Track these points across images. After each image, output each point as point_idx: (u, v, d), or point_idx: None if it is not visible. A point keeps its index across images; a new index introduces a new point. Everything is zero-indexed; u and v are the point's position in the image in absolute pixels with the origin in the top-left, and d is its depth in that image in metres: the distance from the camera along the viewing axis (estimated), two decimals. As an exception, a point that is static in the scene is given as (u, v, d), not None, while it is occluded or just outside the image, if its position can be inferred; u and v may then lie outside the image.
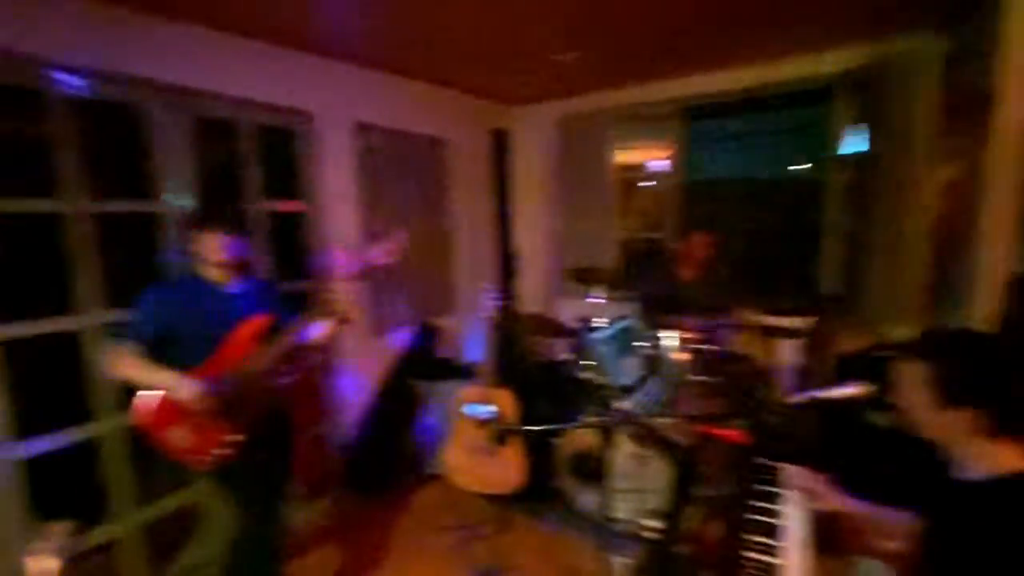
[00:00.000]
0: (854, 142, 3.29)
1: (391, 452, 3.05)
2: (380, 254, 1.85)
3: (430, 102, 3.46)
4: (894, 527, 1.35)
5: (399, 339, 3.28)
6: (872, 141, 3.09)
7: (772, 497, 1.53)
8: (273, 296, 1.87)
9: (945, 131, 2.68)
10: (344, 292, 1.73)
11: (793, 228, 3.84)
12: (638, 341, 2.23)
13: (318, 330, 1.79)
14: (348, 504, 2.82)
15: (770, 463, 1.69)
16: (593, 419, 2.04)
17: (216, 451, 1.61)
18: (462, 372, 3.22)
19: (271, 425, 1.79)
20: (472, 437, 2.48)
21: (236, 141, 2.41)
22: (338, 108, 2.78)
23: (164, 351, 1.61)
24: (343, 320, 1.79)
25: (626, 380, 1.96)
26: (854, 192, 3.31)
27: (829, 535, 1.56)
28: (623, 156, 3.91)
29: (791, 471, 1.62)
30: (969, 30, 2.52)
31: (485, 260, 3.95)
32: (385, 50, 2.70)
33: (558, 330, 3.09)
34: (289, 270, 2.69)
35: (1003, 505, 0.98)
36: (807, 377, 3.01)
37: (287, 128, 2.64)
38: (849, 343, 2.95)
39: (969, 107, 2.51)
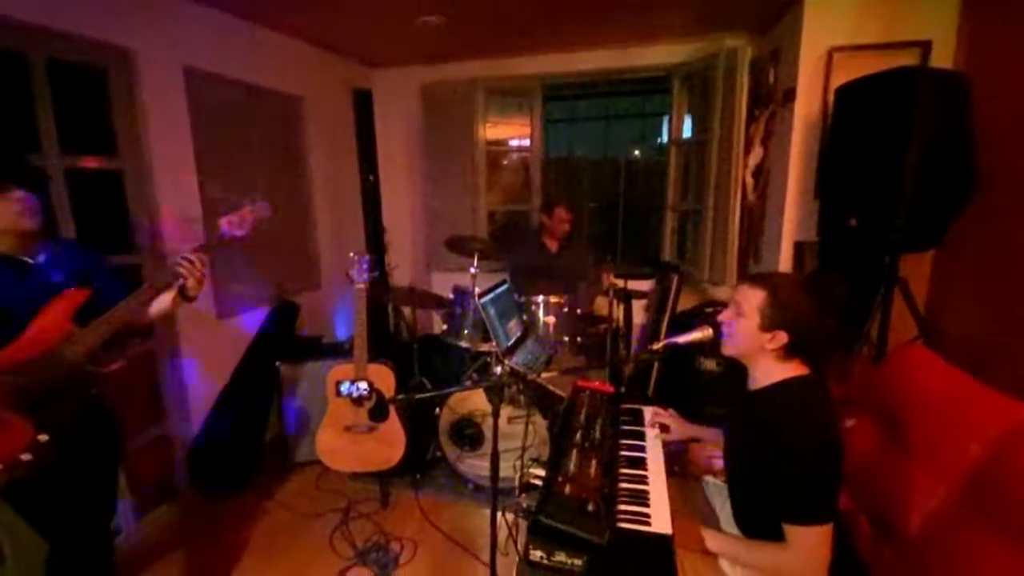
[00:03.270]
0: (688, 129, 3.78)
1: (251, 443, 2.78)
2: (233, 224, 1.61)
3: (283, 55, 3.10)
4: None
5: (255, 319, 2.96)
6: (700, 128, 3.58)
7: (637, 435, 1.75)
8: (91, 265, 1.54)
9: (748, 120, 3.20)
10: (187, 264, 1.48)
11: (640, 205, 4.29)
12: (514, 307, 2.32)
13: (154, 307, 1.53)
14: (201, 506, 2.51)
15: (632, 406, 1.92)
16: (481, 381, 2.09)
17: (12, 459, 1.29)
18: (330, 351, 3.04)
19: (90, 423, 1.48)
20: (348, 416, 2.37)
21: (27, 80, 1.91)
22: (165, 48, 2.34)
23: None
24: (186, 297, 1.53)
25: (507, 342, 2.04)
26: (688, 173, 3.81)
27: (682, 462, 1.84)
28: (489, 131, 3.96)
29: (648, 411, 1.87)
30: (770, 38, 3.03)
31: (351, 232, 3.73)
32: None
33: (433, 302, 3.07)
34: (104, 241, 2.24)
35: (761, 404, 1.28)
36: (652, 333, 3.44)
37: (99, 68, 2.16)
38: (684, 302, 3.43)
39: (765, 101, 3.04)
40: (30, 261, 1.38)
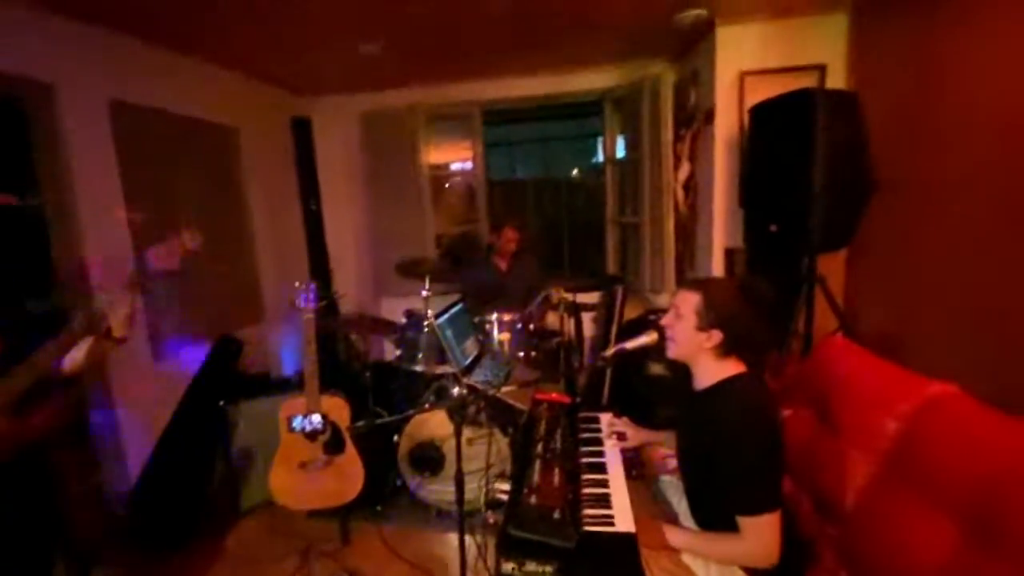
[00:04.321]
0: (621, 148, 3.99)
1: (196, 491, 2.61)
2: (161, 257, 1.52)
3: (217, 86, 3.04)
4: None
5: (194, 358, 2.81)
6: (632, 148, 3.80)
7: (595, 441, 1.81)
8: (4, 314, 1.44)
9: (675, 139, 3.44)
10: (113, 304, 1.40)
11: (582, 221, 4.46)
12: (469, 326, 2.35)
13: (75, 354, 1.43)
14: (144, 563, 2.33)
15: (590, 414, 1.99)
16: (440, 403, 2.09)
17: None
18: (279, 386, 2.93)
19: (18, 482, 1.37)
20: (301, 452, 2.29)
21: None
22: (88, 82, 2.24)
23: None
24: (112, 339, 1.43)
25: (464, 361, 2.06)
26: (625, 190, 4.02)
27: (638, 464, 1.91)
28: (432, 154, 4.01)
29: (604, 418, 1.94)
30: (689, 63, 3.29)
31: (294, 261, 3.64)
32: (153, 18, 2.28)
33: (383, 327, 3.04)
34: (23, 283, 2.09)
35: (706, 404, 1.37)
36: (603, 342, 3.56)
37: (14, 101, 2.04)
38: (630, 311, 3.58)
39: (689, 121, 3.28)
40: None
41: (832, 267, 2.63)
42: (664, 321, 1.44)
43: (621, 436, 1.80)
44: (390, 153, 3.95)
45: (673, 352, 1.43)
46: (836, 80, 2.70)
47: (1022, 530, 1.09)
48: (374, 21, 2.57)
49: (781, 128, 2.33)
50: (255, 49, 2.83)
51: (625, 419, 1.85)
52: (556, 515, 1.29)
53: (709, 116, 2.95)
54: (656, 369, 3.25)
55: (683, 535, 1.39)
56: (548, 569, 1.18)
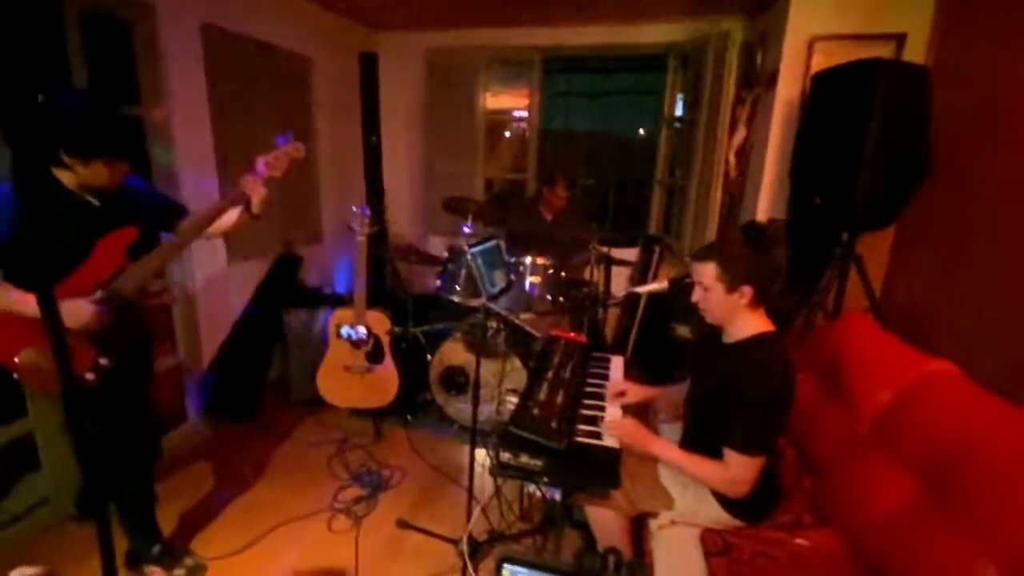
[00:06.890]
0: (680, 109, 3.92)
1: (257, 378, 3.01)
2: (270, 165, 1.66)
3: (294, 15, 3.22)
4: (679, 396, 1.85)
5: (260, 267, 3.16)
6: (690, 108, 3.73)
7: (601, 376, 1.98)
8: (148, 200, 1.66)
9: (736, 101, 3.36)
10: (255, 186, 1.60)
11: (631, 179, 4.46)
12: (500, 262, 2.53)
13: (227, 219, 1.68)
14: (210, 432, 2.77)
15: (601, 355, 2.16)
16: (465, 324, 2.31)
17: (79, 376, 1.47)
18: (331, 299, 3.26)
19: (138, 345, 1.68)
20: (347, 357, 2.60)
21: (62, 30, 2.05)
22: (183, 3, 2.47)
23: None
24: (250, 214, 1.69)
25: (492, 290, 2.26)
26: (677, 151, 3.98)
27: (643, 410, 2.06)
28: (490, 100, 4.09)
29: (615, 360, 2.10)
30: (761, 22, 3.16)
31: (352, 191, 3.90)
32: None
33: (428, 260, 3.27)
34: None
35: (736, 353, 1.46)
36: (634, 299, 3.65)
37: (122, 20, 2.30)
38: (665, 272, 3.64)
39: (753, 84, 3.19)
40: (95, 203, 1.49)
41: (873, 247, 2.58)
42: (695, 298, 1.49)
43: (621, 394, 1.85)
44: (450, 94, 4.06)
45: (712, 319, 1.49)
46: (915, 52, 2.55)
47: (971, 492, 1.19)
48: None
49: (840, 98, 2.27)
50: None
51: (626, 382, 1.90)
52: (553, 424, 1.49)
53: (772, 79, 2.87)
54: (682, 331, 3.34)
55: (668, 445, 1.49)
56: (538, 463, 1.39)
